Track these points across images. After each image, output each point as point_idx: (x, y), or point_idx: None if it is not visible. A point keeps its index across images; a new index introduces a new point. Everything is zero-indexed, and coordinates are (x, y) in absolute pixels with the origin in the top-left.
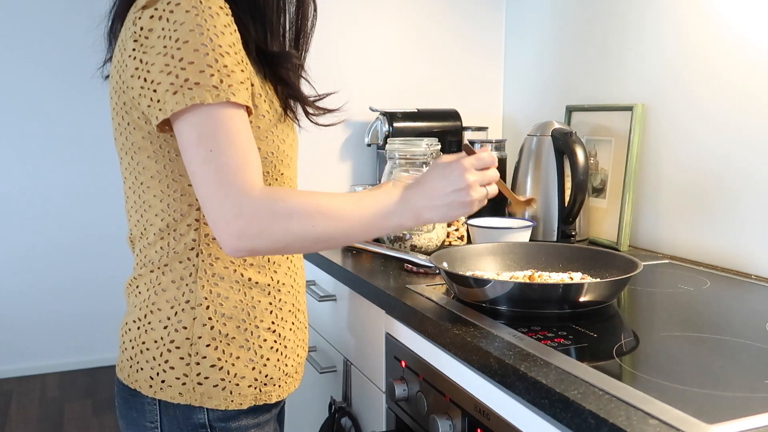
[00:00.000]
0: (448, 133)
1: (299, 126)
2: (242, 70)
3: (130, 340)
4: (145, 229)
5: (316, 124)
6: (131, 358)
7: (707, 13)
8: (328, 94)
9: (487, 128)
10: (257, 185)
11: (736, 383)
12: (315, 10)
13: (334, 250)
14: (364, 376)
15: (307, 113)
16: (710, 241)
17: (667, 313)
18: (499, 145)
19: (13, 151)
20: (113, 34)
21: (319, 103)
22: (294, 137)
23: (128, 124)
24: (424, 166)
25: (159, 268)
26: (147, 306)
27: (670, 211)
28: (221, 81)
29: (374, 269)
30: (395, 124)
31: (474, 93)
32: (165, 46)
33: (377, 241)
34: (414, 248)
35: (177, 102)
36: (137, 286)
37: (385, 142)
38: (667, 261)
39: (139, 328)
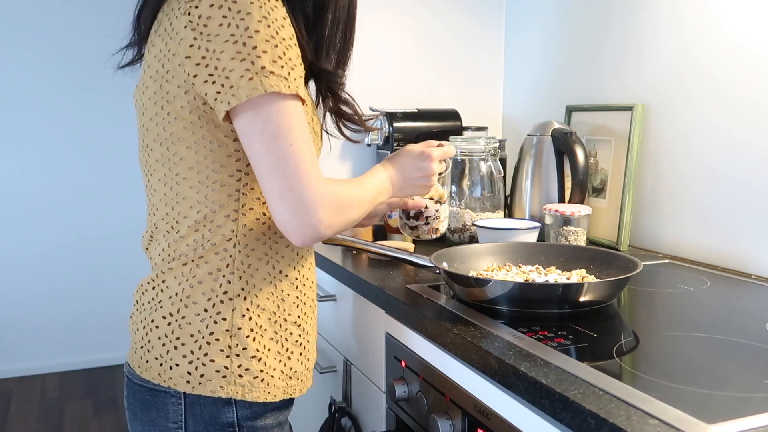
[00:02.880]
0: (448, 133)
1: (330, 143)
2: (301, 64)
3: (159, 338)
4: (176, 222)
5: (350, 140)
6: (161, 356)
7: (705, 16)
8: (375, 116)
9: (487, 128)
10: (324, 178)
11: (736, 383)
12: (354, 37)
13: (334, 249)
14: (364, 376)
15: (341, 130)
16: (710, 241)
17: (667, 313)
18: (499, 145)
19: (11, 152)
20: (140, 21)
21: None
22: (319, 153)
23: (168, 113)
24: (481, 163)
25: (193, 260)
26: (180, 300)
27: (670, 211)
28: (289, 73)
29: (374, 269)
30: (395, 124)
31: (474, 93)
32: (233, 35)
33: (378, 240)
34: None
35: (254, 88)
36: (164, 281)
37: (385, 142)
38: (667, 261)
39: (170, 324)
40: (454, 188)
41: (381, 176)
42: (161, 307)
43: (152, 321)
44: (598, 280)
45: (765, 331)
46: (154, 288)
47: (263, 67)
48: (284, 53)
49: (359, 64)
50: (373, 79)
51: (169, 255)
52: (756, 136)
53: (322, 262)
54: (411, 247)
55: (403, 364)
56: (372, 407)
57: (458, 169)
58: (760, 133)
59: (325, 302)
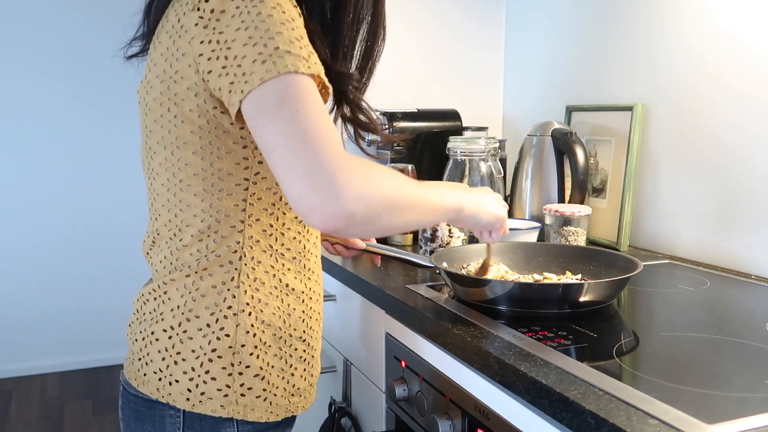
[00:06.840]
0: (448, 133)
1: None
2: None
3: (158, 351)
4: (179, 230)
5: (364, 151)
6: (160, 371)
7: (706, 17)
8: (398, 130)
9: (487, 128)
10: (347, 153)
11: (736, 383)
12: (384, 38)
13: None
14: (364, 376)
15: (357, 141)
16: (710, 241)
17: (667, 313)
18: (499, 145)
19: (8, 146)
20: (150, 10)
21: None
22: None
23: (175, 116)
24: (481, 163)
25: (197, 272)
26: (182, 313)
27: (670, 211)
28: (310, 55)
29: (374, 269)
30: (395, 124)
31: (474, 93)
32: (243, 21)
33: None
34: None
35: (267, 70)
36: (165, 292)
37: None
38: (667, 261)
39: (171, 337)
40: None
41: (440, 184)
42: (162, 319)
43: (152, 333)
44: (598, 280)
45: (765, 331)
46: (155, 299)
47: (277, 48)
48: (302, 37)
49: None
50: (373, 79)
51: (171, 263)
52: (755, 136)
53: (323, 263)
54: (411, 246)
55: (403, 364)
56: (372, 407)
57: (458, 170)
58: (760, 133)
59: (325, 302)
